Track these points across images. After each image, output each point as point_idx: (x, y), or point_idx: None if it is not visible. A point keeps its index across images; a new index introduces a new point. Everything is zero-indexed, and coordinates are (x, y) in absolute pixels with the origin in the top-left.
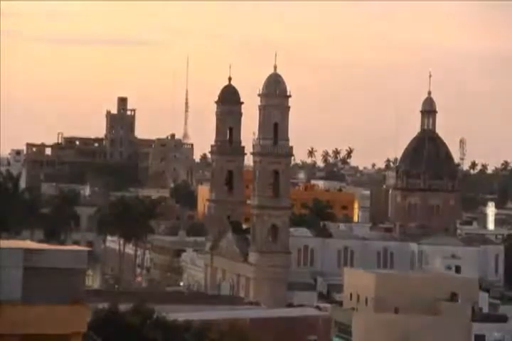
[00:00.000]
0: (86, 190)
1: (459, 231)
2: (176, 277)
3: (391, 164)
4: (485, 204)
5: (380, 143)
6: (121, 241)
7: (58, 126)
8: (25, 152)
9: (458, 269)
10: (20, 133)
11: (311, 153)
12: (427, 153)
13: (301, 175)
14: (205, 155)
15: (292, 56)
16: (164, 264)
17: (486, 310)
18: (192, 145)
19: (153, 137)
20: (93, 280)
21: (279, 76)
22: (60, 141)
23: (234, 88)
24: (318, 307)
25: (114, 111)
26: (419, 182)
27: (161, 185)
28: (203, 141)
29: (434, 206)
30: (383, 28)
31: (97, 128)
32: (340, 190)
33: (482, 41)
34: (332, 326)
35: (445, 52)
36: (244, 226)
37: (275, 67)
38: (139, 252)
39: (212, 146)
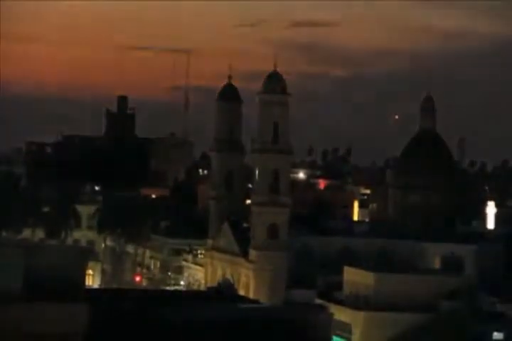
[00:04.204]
0: (86, 189)
1: (458, 229)
2: (176, 276)
3: (391, 162)
4: (484, 203)
5: (380, 142)
6: (122, 240)
7: (58, 124)
8: (25, 150)
9: (457, 267)
10: (20, 132)
11: (310, 151)
12: (427, 151)
13: (301, 174)
14: (205, 153)
15: (292, 54)
16: (164, 263)
17: (485, 308)
18: (192, 143)
19: (154, 136)
20: (93, 279)
21: (279, 74)
22: (60, 140)
23: (234, 86)
24: (318, 306)
25: (114, 109)
26: (418, 180)
27: (161, 183)
28: (203, 139)
29: (433, 204)
30: (384, 28)
31: (97, 127)
32: (340, 188)
33: (483, 40)
34: (332, 325)
35: (446, 51)
36: (244, 225)
37: (275, 65)
38: (139, 251)
39: (212, 144)
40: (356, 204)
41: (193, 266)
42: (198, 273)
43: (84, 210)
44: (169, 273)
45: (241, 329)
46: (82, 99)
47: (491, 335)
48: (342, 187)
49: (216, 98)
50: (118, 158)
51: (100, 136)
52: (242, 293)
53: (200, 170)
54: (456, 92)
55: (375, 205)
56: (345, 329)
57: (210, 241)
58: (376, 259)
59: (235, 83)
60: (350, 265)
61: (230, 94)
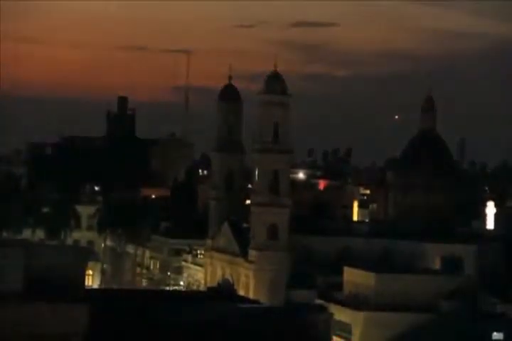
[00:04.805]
0: (86, 189)
1: (458, 229)
2: (175, 276)
3: (391, 163)
4: (484, 203)
5: (380, 142)
6: (122, 240)
7: (59, 124)
8: (25, 151)
9: (457, 268)
10: (20, 132)
11: (311, 151)
12: (427, 151)
13: (301, 174)
14: (205, 153)
15: (292, 54)
16: (164, 263)
17: (485, 308)
18: (192, 143)
19: (154, 136)
20: (93, 279)
21: (279, 74)
22: (60, 140)
23: (234, 86)
24: (318, 306)
25: (115, 110)
26: (418, 180)
27: (161, 183)
28: (203, 139)
29: (433, 204)
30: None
31: (97, 128)
32: (340, 188)
33: (483, 40)
34: (332, 325)
35: (446, 51)
36: (244, 225)
37: (275, 65)
38: (139, 251)
39: (212, 144)
40: (356, 205)
41: (192, 266)
42: (197, 273)
43: (84, 210)
44: (169, 274)
45: (241, 329)
46: (83, 100)
47: (491, 335)
48: (342, 188)
49: (216, 98)
50: (118, 159)
51: (100, 137)
52: (242, 293)
53: (200, 170)
54: (456, 92)
55: (375, 205)
56: (345, 329)
57: (209, 242)
58: (376, 259)
59: (235, 83)
60: (350, 265)
61: (230, 94)
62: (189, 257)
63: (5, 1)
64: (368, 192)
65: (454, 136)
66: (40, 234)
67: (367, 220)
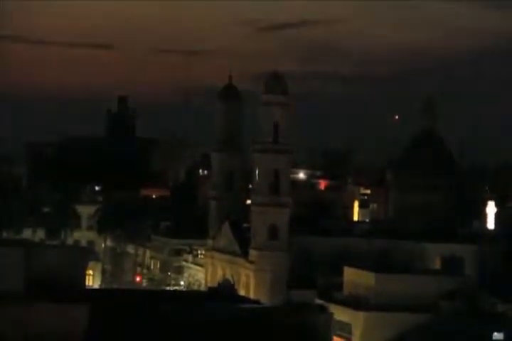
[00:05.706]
0: (86, 189)
1: (458, 229)
2: (176, 276)
3: (391, 162)
4: (484, 203)
5: (379, 142)
6: (122, 240)
7: (59, 124)
8: (25, 150)
9: (457, 268)
10: (20, 132)
11: (311, 151)
12: (427, 151)
13: (301, 174)
14: (205, 153)
15: (293, 54)
16: (165, 263)
17: (485, 308)
18: (192, 143)
19: (154, 136)
20: (93, 279)
21: (279, 74)
22: (60, 140)
23: (234, 86)
24: (318, 306)
25: (115, 109)
26: (418, 180)
27: (161, 183)
28: (203, 139)
29: (433, 204)
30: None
31: (97, 128)
32: (340, 188)
33: (483, 39)
34: (332, 325)
35: (446, 50)
36: (244, 225)
37: (275, 65)
38: (139, 251)
39: (212, 144)
40: (356, 205)
41: (193, 266)
42: (198, 273)
43: (84, 210)
44: (169, 274)
45: (241, 329)
46: (83, 99)
47: (491, 335)
48: (342, 188)
49: (216, 98)
50: (118, 158)
51: (101, 136)
52: (242, 293)
53: (200, 170)
54: (456, 92)
55: (375, 205)
56: (345, 329)
57: (210, 242)
58: (376, 259)
59: (236, 83)
60: (350, 265)
61: (230, 94)
62: (189, 257)
63: (5, 1)
64: (368, 192)
65: (453, 136)
66: (40, 234)
67: (367, 220)
